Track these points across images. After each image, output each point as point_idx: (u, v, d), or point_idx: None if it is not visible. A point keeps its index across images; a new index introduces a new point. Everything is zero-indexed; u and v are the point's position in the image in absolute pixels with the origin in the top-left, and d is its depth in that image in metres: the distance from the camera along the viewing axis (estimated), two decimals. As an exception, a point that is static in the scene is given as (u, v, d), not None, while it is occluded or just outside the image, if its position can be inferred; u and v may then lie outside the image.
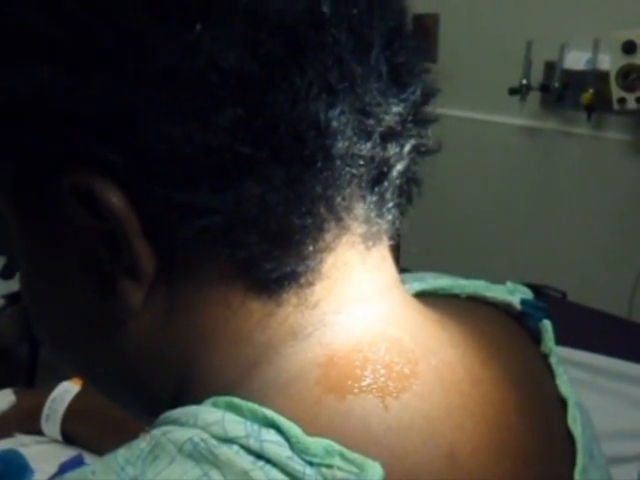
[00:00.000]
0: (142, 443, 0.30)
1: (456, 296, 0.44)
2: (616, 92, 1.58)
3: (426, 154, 0.36)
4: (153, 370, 0.36)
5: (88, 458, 0.86)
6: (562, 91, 1.70)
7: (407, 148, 0.34)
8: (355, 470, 0.29)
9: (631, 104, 1.57)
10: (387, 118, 0.33)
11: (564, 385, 0.41)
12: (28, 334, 2.09)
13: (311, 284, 0.33)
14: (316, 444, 0.29)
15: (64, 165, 0.32)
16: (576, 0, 1.66)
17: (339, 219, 0.33)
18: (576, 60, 1.68)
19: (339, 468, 0.29)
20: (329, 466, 0.29)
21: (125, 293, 0.33)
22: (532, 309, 0.45)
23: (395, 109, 0.33)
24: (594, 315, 1.45)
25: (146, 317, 0.34)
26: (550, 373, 0.41)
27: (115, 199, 0.31)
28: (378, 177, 0.33)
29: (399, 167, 0.34)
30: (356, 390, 0.32)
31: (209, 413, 0.30)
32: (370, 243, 0.35)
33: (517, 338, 0.43)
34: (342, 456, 0.29)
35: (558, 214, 1.83)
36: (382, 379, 0.33)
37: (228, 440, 0.29)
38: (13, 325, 2.38)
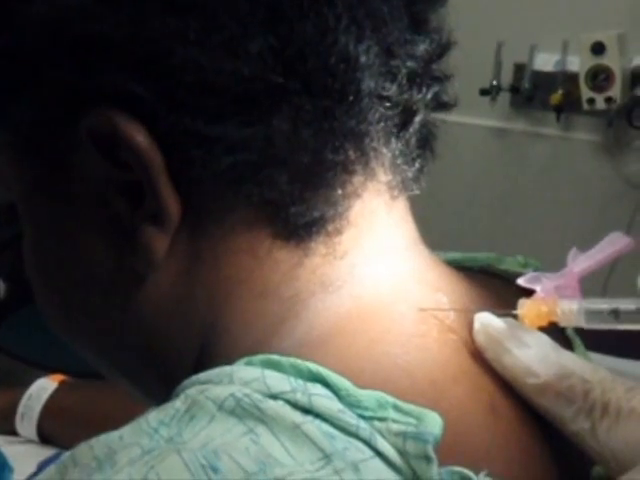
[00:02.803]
0: (177, 403, 0.28)
1: (468, 269, 0.43)
2: (585, 93, 1.60)
3: (445, 107, 0.36)
4: (174, 332, 0.34)
5: (68, 457, 0.82)
6: (532, 92, 1.73)
7: (429, 95, 0.34)
8: (413, 421, 0.27)
9: (600, 104, 1.59)
10: (411, 60, 0.32)
11: (583, 355, 0.40)
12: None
13: (339, 232, 0.33)
14: (368, 396, 0.28)
15: (83, 105, 0.30)
16: (545, 2, 1.69)
17: (366, 162, 0.32)
18: (545, 61, 1.70)
19: (394, 420, 0.27)
20: (383, 419, 0.27)
21: (148, 241, 0.31)
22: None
23: (417, 52, 0.33)
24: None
25: (167, 271, 0.33)
26: (568, 344, 0.41)
27: (141, 137, 0.29)
28: (403, 122, 0.33)
29: (421, 115, 0.34)
30: (397, 344, 0.31)
31: (245, 371, 0.29)
32: (395, 192, 0.34)
33: None
34: (396, 408, 0.27)
35: (527, 214, 1.85)
36: (421, 333, 0.32)
37: (272, 396, 0.27)
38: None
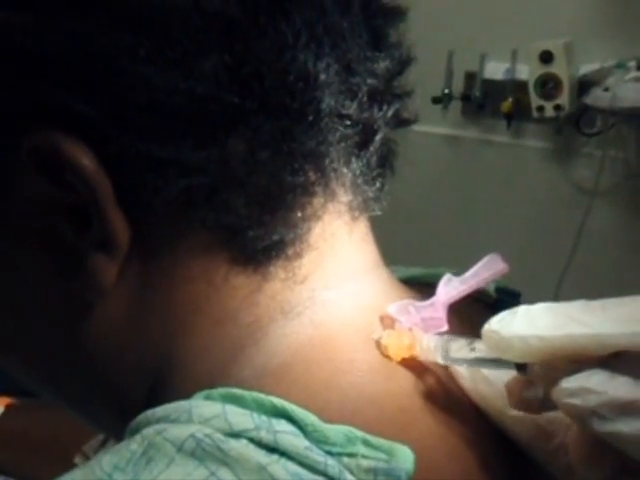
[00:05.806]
0: (133, 445, 0.26)
1: (428, 285, 0.43)
2: (535, 101, 1.62)
3: (406, 123, 0.35)
4: (126, 361, 0.32)
5: (16, 485, 0.78)
6: (482, 100, 1.74)
7: (390, 113, 0.33)
8: (383, 457, 0.26)
9: (549, 112, 1.61)
10: (371, 78, 0.32)
11: None
12: None
13: (299, 256, 0.31)
14: (335, 431, 0.26)
15: (25, 125, 0.28)
16: (494, 12, 1.71)
17: (327, 183, 0.31)
18: (495, 70, 1.72)
19: (364, 456, 0.26)
20: (352, 455, 0.26)
21: (96, 269, 0.30)
22: (506, 296, 0.45)
23: (378, 70, 0.32)
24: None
25: (117, 298, 0.31)
26: None
27: (87, 160, 0.28)
28: (363, 141, 0.32)
29: (382, 133, 0.33)
30: (363, 373, 0.30)
31: (205, 407, 0.27)
32: (356, 213, 0.34)
33: None
34: (366, 443, 0.26)
35: (479, 220, 1.87)
36: (385, 361, 0.31)
37: (235, 434, 0.26)
38: None
